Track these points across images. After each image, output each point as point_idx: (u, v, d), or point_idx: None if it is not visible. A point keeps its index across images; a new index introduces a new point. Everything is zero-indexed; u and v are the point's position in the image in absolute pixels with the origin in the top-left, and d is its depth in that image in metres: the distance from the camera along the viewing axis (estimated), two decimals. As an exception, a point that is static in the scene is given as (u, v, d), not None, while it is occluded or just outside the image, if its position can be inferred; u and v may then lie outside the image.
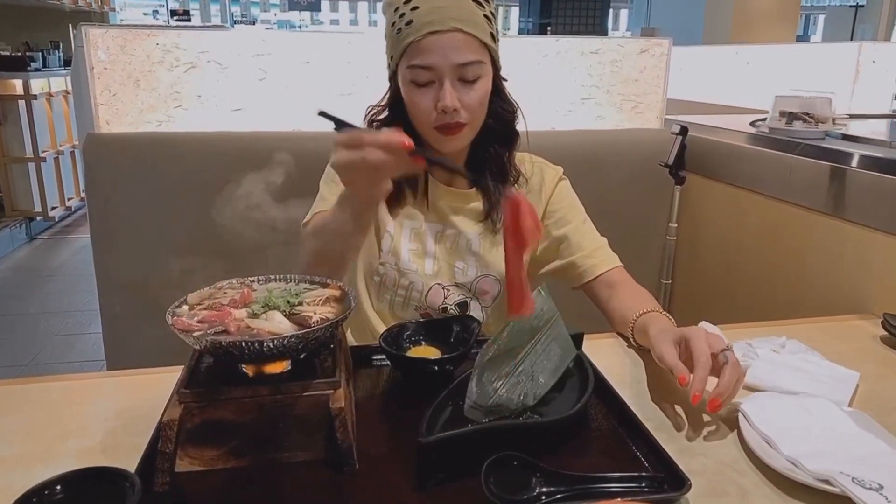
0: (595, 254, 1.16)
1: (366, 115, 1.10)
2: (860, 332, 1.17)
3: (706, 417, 0.84)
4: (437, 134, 1.02)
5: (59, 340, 3.11)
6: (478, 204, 1.15)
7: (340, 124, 0.80)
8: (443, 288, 1.15)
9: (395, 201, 1.13)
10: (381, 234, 1.14)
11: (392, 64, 1.04)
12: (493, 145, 1.11)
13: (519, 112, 1.12)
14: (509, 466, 0.68)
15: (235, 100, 1.59)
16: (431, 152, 0.84)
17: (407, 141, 0.77)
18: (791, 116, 1.77)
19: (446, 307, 1.14)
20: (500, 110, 1.09)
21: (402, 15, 0.98)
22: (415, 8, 0.97)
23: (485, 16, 0.99)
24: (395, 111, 1.07)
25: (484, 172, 1.11)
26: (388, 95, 1.09)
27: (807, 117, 1.75)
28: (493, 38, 1.02)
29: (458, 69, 0.98)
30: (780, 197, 1.55)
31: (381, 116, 1.09)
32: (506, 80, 1.10)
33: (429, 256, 1.15)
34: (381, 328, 1.14)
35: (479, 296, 1.16)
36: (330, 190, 1.11)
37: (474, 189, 1.15)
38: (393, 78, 1.05)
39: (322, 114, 0.79)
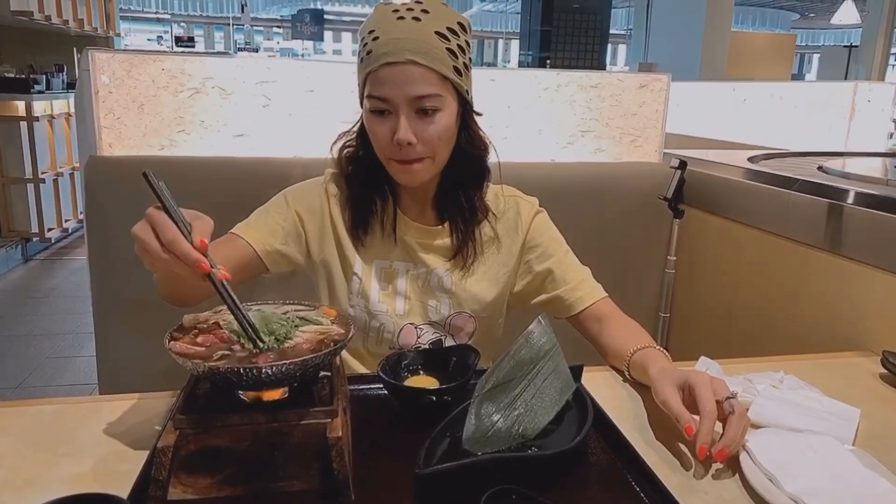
0: (580, 286, 1.14)
1: (336, 140, 1.11)
2: (859, 369, 1.16)
3: (706, 454, 0.83)
4: (395, 165, 1.02)
5: (50, 363, 3.07)
6: (446, 240, 1.13)
7: (159, 197, 0.73)
8: (415, 327, 1.13)
9: (362, 234, 1.11)
10: (349, 276, 1.12)
11: (359, 93, 1.04)
12: (462, 183, 1.10)
13: (491, 147, 1.09)
14: (508, 500, 0.67)
15: (238, 125, 1.60)
16: (222, 285, 0.75)
17: (204, 264, 0.72)
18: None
19: (420, 346, 1.13)
20: (469, 146, 1.07)
21: (365, 44, 0.99)
22: (375, 38, 0.97)
23: (449, 49, 0.98)
24: (364, 139, 1.07)
25: (454, 212, 1.10)
26: (358, 123, 1.09)
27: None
28: (459, 71, 1.00)
29: (414, 101, 0.97)
30: (777, 232, 1.56)
31: (352, 144, 1.10)
32: (479, 114, 1.08)
33: (400, 296, 1.13)
34: (360, 368, 1.14)
35: (454, 333, 1.15)
36: (258, 218, 1.10)
37: (441, 226, 1.13)
38: (362, 106, 1.05)
39: (145, 176, 0.72)
